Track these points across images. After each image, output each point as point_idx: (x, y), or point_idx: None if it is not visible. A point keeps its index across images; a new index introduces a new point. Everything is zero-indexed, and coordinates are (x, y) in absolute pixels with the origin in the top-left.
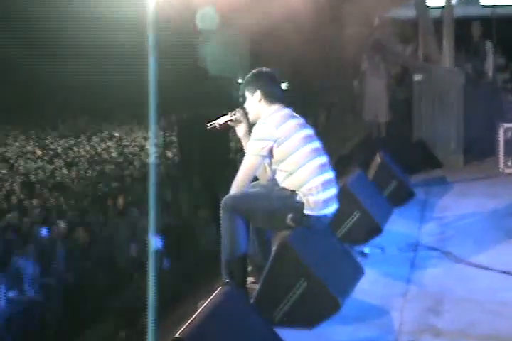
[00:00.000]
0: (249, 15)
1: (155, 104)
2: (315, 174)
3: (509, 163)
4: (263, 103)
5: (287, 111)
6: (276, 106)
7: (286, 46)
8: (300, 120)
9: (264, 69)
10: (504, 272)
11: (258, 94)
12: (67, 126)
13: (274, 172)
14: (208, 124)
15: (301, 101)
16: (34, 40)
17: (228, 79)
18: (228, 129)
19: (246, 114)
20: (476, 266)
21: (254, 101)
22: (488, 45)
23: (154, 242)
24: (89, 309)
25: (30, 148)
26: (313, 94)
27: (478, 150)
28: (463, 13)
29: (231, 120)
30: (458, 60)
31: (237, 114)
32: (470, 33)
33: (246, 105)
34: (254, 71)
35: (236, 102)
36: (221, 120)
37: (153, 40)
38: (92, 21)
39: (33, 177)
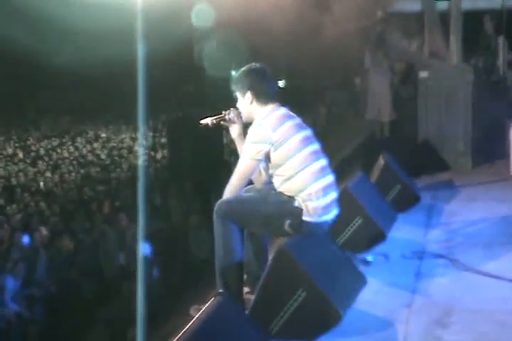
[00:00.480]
0: (246, 11)
1: (144, 103)
2: (314, 179)
3: None
4: (255, 104)
5: (283, 110)
6: (270, 106)
7: (285, 42)
8: (297, 120)
9: (254, 65)
10: None
11: (249, 95)
12: (50, 126)
13: (270, 177)
14: (201, 122)
15: (300, 99)
16: (16, 34)
17: (225, 78)
18: (222, 128)
19: (240, 114)
20: (485, 274)
21: (245, 103)
22: (502, 41)
23: (143, 248)
24: (76, 321)
25: (10, 150)
26: (313, 92)
27: (488, 152)
28: (471, 6)
29: (224, 119)
30: (468, 55)
31: (231, 114)
32: (480, 27)
33: (238, 105)
34: (243, 69)
35: (233, 101)
36: (214, 118)
37: (142, 42)
38: (80, 15)
39: (13, 181)
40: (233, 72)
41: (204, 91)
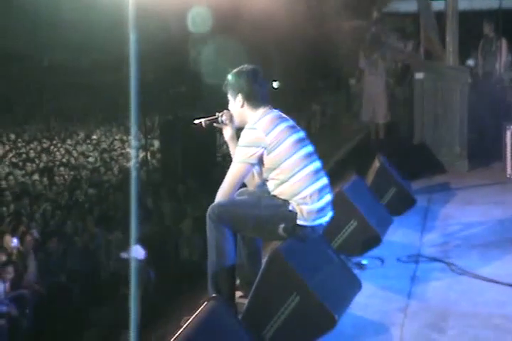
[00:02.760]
0: (240, 14)
1: (136, 105)
2: (309, 182)
3: None
4: (246, 107)
5: (276, 113)
6: (262, 110)
7: (279, 43)
8: (290, 122)
9: (246, 67)
10: (511, 285)
11: (240, 98)
12: (39, 128)
13: (264, 180)
14: (194, 121)
15: (294, 100)
16: (5, 35)
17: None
18: (215, 129)
19: (232, 117)
20: (482, 278)
21: (236, 106)
22: (503, 43)
23: (135, 252)
24: (67, 324)
25: (0, 151)
26: (307, 93)
27: (484, 154)
28: (468, 6)
29: (217, 121)
30: (464, 56)
31: (224, 117)
32: (476, 28)
33: (229, 108)
34: (234, 71)
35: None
36: (207, 119)
37: (134, 38)
38: (70, 11)
39: (3, 184)
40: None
41: (196, 93)
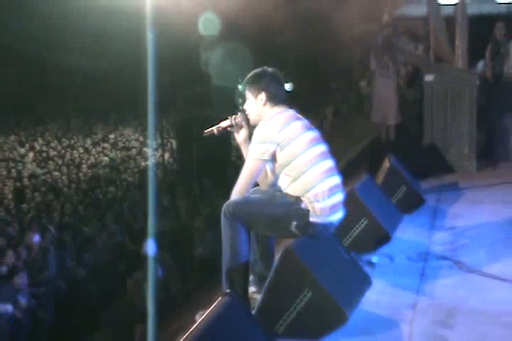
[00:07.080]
0: (252, 18)
1: (154, 105)
2: (321, 179)
3: None
4: (267, 106)
5: (291, 112)
6: (278, 108)
7: (290, 46)
8: (304, 122)
9: (267, 68)
10: None
11: (263, 96)
12: (59, 127)
13: (276, 178)
14: (205, 131)
15: (307, 102)
16: (27, 36)
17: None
18: (227, 133)
19: (247, 117)
20: (490, 276)
21: (257, 104)
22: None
23: (150, 248)
24: (82, 319)
25: (23, 150)
26: (320, 95)
27: (492, 155)
28: (477, 11)
29: (231, 126)
30: (473, 60)
31: (239, 119)
32: (485, 32)
33: (246, 107)
34: (256, 71)
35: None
36: (220, 125)
37: (152, 37)
38: (89, 14)
39: (25, 181)
40: (240, 80)
41: (210, 94)
